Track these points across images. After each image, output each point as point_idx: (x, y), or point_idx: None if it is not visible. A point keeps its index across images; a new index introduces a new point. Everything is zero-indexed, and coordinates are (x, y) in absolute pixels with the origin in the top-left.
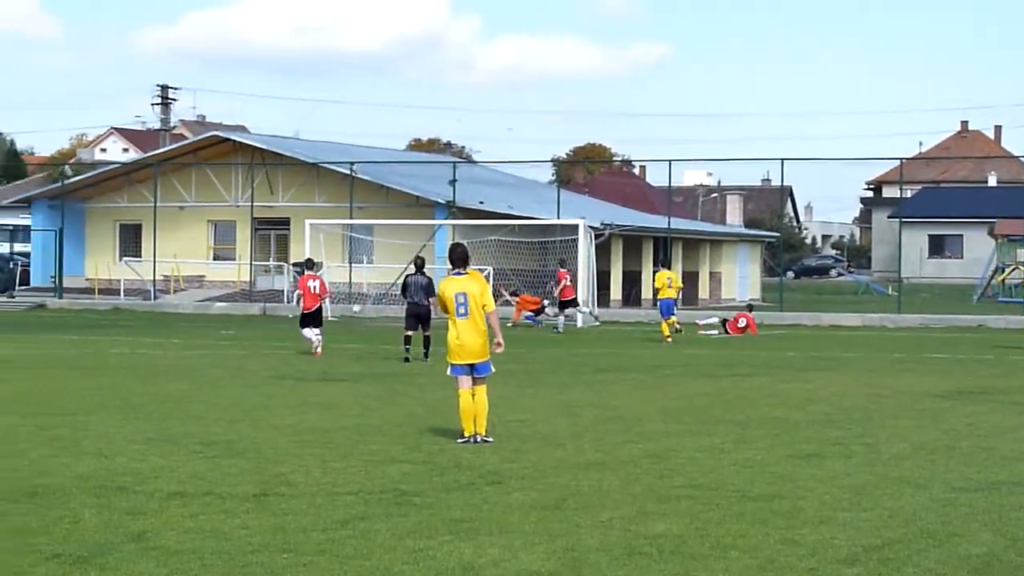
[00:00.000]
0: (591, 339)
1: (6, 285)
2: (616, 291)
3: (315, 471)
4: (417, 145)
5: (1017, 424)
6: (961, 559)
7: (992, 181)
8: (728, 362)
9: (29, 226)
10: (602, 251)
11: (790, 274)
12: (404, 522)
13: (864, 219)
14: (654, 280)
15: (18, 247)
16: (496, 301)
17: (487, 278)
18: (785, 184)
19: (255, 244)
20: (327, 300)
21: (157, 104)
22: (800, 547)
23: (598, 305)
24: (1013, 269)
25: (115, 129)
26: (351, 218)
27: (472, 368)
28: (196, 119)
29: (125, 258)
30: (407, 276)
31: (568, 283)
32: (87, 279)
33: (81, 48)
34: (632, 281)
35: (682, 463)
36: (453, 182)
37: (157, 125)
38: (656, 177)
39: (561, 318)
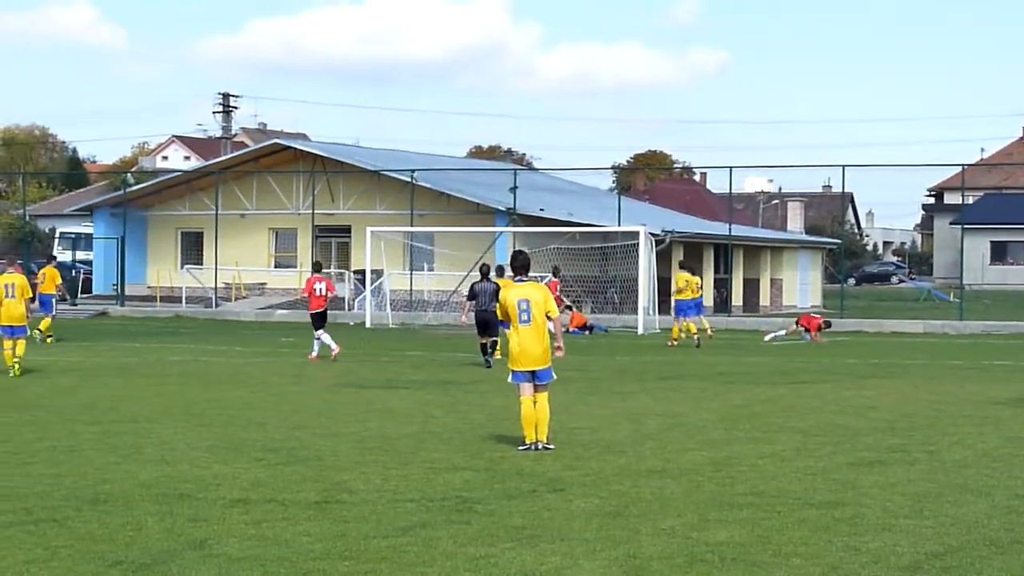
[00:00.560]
0: (652, 346)
1: (69, 293)
2: None
3: (376, 478)
4: (477, 152)
5: None
6: None
7: None
8: (788, 369)
9: (91, 234)
10: (663, 258)
11: (851, 281)
12: (465, 529)
13: (926, 225)
14: (676, 281)
15: (80, 255)
16: (559, 308)
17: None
18: (846, 191)
19: (316, 252)
20: (386, 307)
21: (218, 112)
22: (862, 554)
23: (659, 312)
24: None
25: (176, 137)
26: (412, 225)
27: (534, 375)
28: (257, 127)
29: (187, 266)
30: (474, 283)
31: (558, 293)
32: (149, 287)
33: (143, 57)
34: None
35: (744, 470)
36: (514, 189)
37: (218, 133)
38: (716, 184)
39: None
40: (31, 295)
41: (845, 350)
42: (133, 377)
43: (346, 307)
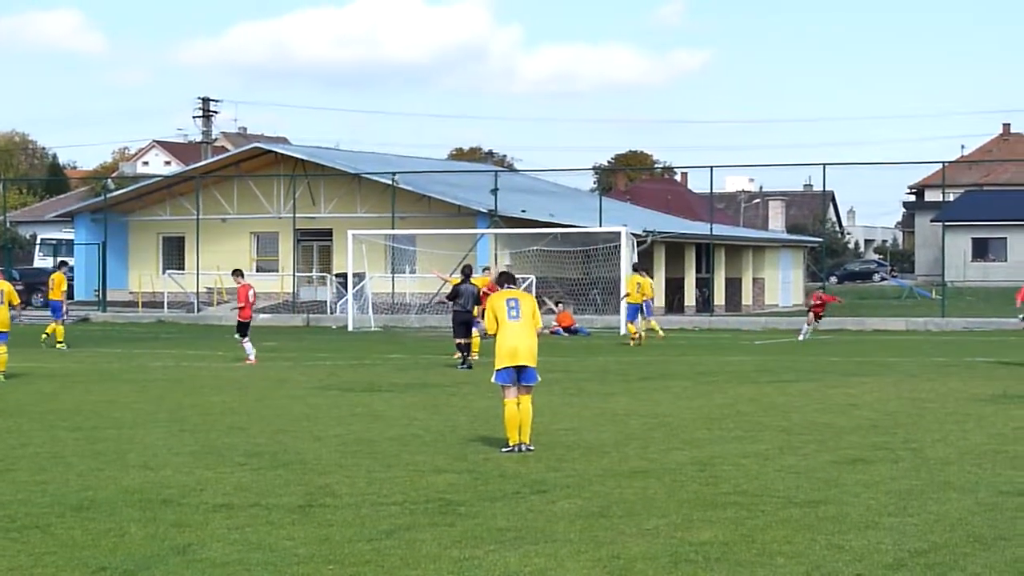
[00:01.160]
0: (634, 347)
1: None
2: (659, 298)
3: (360, 481)
4: (458, 154)
5: None
6: (1008, 563)
7: None
8: (772, 368)
9: (72, 240)
10: (645, 258)
11: (833, 279)
12: (449, 532)
13: (907, 223)
14: (629, 284)
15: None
16: (540, 308)
17: (530, 287)
18: (827, 189)
19: (298, 255)
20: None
21: (199, 117)
22: (846, 552)
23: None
24: None
25: (157, 142)
26: (393, 228)
27: (520, 375)
28: (238, 131)
29: (168, 271)
30: (457, 284)
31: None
32: (131, 292)
33: (125, 62)
34: (675, 288)
35: (727, 470)
36: (495, 191)
37: (199, 138)
38: (698, 184)
39: None
40: (17, 301)
41: (828, 348)
42: (115, 383)
43: (328, 310)
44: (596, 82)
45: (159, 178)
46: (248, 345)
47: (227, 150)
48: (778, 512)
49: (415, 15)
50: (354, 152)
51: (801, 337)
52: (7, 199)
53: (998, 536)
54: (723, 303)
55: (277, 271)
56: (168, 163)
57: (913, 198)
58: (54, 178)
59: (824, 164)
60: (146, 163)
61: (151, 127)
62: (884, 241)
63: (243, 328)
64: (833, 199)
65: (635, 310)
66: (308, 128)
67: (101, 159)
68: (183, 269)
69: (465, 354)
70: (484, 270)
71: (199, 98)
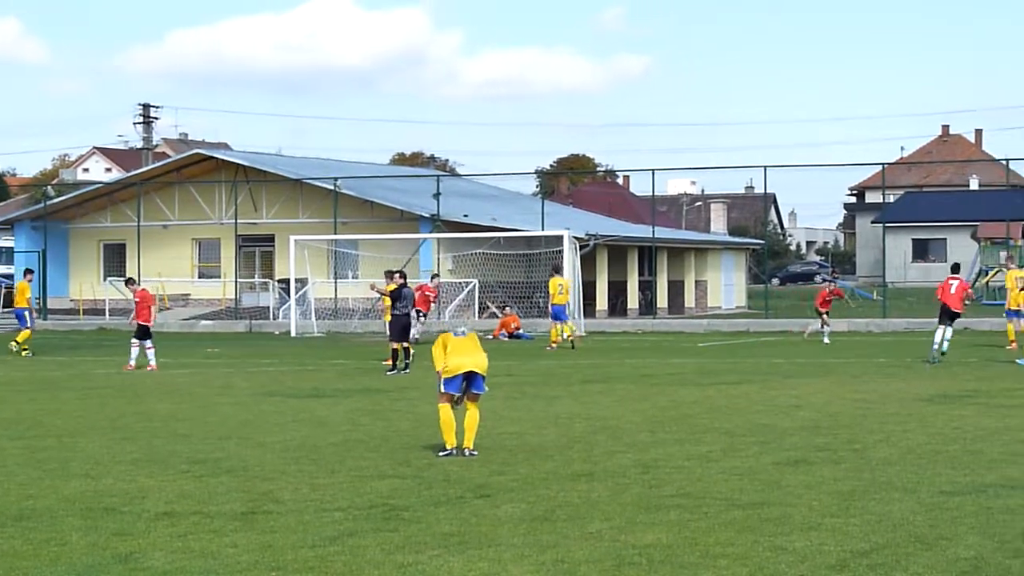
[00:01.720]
0: (577, 350)
1: None
2: (602, 301)
3: (303, 488)
4: (400, 159)
5: (1003, 427)
6: (950, 562)
7: (974, 184)
8: (715, 370)
9: (12, 248)
10: (587, 262)
11: (775, 281)
12: (393, 537)
13: (848, 225)
14: (552, 285)
15: (1, 269)
16: (483, 314)
17: (472, 291)
18: (768, 191)
19: (240, 261)
20: (311, 316)
21: (139, 123)
22: (789, 554)
23: (584, 316)
24: (996, 272)
25: (97, 149)
26: (335, 233)
27: (469, 383)
28: (179, 137)
29: (109, 278)
30: (397, 287)
31: (433, 299)
32: (72, 300)
33: (65, 70)
34: (618, 291)
35: (670, 472)
36: (437, 195)
37: (139, 144)
38: (640, 187)
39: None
40: None
41: (770, 350)
42: (57, 391)
43: (271, 316)
44: (538, 87)
45: (100, 185)
46: (150, 352)
47: (168, 156)
48: (721, 514)
49: (354, 20)
50: (296, 158)
51: (826, 340)
52: None
53: (939, 536)
54: (666, 306)
55: (219, 277)
56: (109, 170)
57: (854, 200)
58: None
59: (765, 166)
60: (87, 170)
61: (92, 134)
62: (825, 243)
63: (145, 332)
64: (775, 201)
65: (560, 311)
66: (249, 134)
67: (41, 166)
68: (125, 276)
69: (399, 360)
70: (433, 277)
71: (140, 104)
